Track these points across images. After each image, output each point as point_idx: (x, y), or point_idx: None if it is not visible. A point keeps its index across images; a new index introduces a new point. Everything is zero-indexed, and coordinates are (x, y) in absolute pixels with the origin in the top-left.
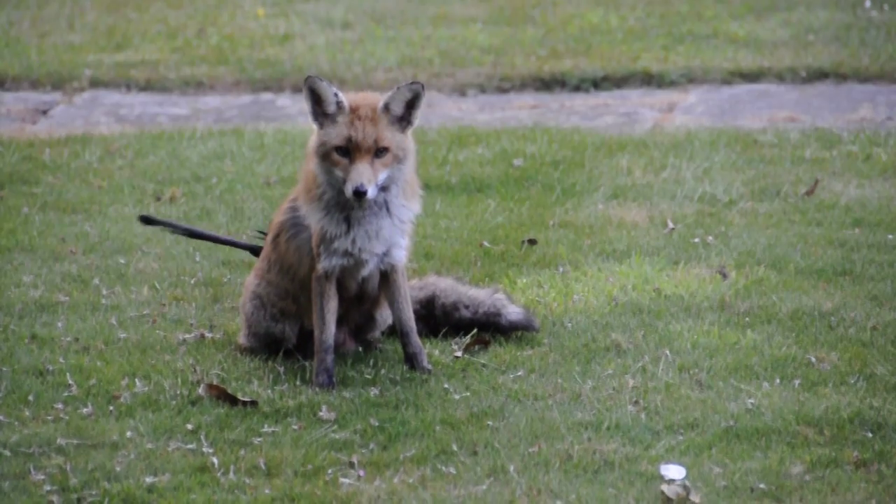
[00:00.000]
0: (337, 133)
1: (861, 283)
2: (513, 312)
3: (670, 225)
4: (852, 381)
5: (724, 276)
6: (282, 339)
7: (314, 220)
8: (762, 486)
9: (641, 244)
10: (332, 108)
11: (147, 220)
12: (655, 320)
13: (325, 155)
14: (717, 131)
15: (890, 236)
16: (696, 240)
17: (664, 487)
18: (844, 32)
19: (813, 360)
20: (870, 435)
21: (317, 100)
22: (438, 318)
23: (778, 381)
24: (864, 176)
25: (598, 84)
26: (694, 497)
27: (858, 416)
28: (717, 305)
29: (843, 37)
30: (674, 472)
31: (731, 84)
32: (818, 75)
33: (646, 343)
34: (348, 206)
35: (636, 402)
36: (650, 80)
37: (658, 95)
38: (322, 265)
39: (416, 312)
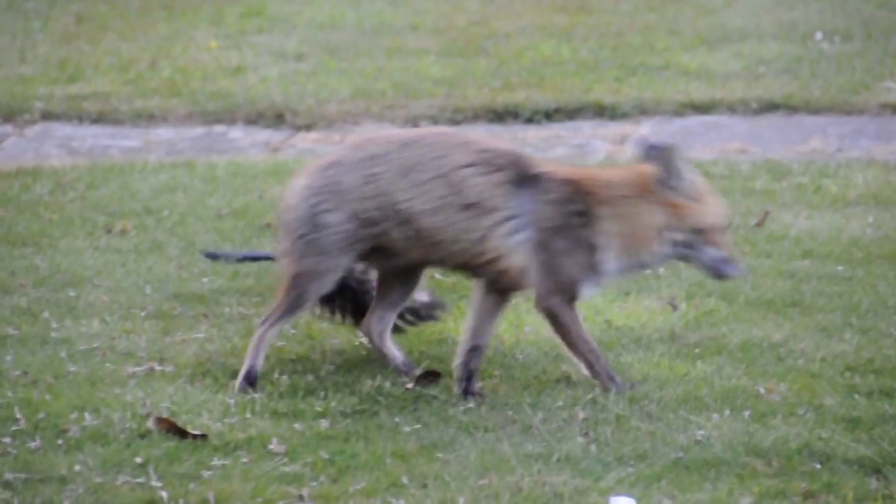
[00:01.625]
0: (716, 212)
1: (810, 315)
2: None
3: None
4: (801, 413)
5: (675, 307)
6: (322, 279)
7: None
8: None
9: None
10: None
11: (212, 256)
12: (606, 352)
13: (699, 231)
14: None
15: (839, 268)
16: (647, 271)
17: None
18: (795, 64)
19: (762, 391)
20: (818, 466)
21: (677, 171)
22: (355, 296)
23: (727, 412)
24: (814, 207)
25: (550, 116)
26: None
27: (807, 448)
28: (668, 337)
29: (794, 69)
30: (623, 503)
31: (682, 115)
32: (769, 107)
33: None
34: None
35: (586, 434)
36: (602, 111)
37: (610, 127)
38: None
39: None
